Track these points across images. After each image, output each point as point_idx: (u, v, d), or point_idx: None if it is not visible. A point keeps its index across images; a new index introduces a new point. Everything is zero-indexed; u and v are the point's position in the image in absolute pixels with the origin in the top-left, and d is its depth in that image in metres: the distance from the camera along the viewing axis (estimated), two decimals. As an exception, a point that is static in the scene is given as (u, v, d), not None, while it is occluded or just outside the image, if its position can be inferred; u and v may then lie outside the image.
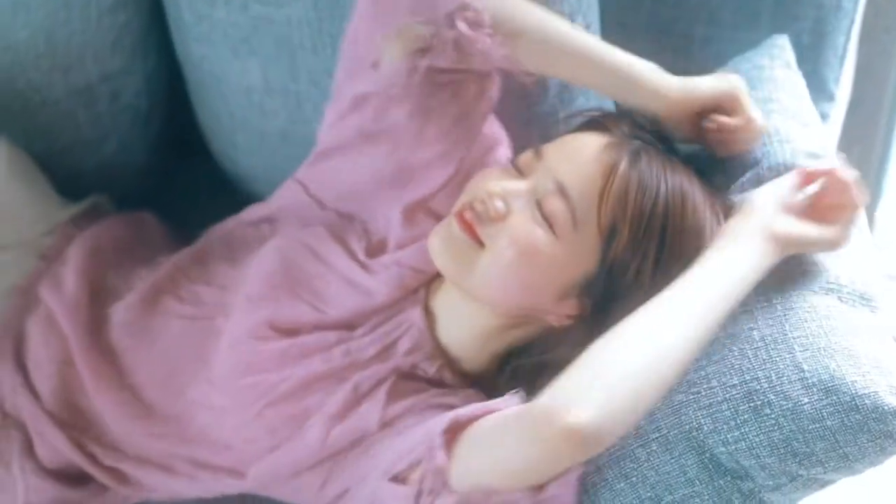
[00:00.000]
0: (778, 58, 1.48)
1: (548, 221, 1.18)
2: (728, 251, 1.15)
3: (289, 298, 1.36)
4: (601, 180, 1.18)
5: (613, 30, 1.64)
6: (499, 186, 1.21)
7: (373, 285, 1.36)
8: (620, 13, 1.66)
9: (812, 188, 1.20)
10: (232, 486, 1.36)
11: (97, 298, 1.47)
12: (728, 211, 1.23)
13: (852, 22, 1.61)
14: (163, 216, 1.68)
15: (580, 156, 1.21)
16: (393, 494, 1.13)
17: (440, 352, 1.32)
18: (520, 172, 1.24)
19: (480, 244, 1.21)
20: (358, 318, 1.35)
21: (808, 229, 1.18)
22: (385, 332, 1.33)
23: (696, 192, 1.20)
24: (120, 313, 1.44)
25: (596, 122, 1.30)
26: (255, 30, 1.52)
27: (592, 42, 1.32)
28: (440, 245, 1.24)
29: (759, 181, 1.31)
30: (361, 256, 1.40)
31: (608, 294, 1.18)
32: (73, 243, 1.53)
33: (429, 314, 1.33)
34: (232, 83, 1.60)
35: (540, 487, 1.06)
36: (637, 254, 1.17)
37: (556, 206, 1.18)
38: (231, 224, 1.55)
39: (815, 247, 1.20)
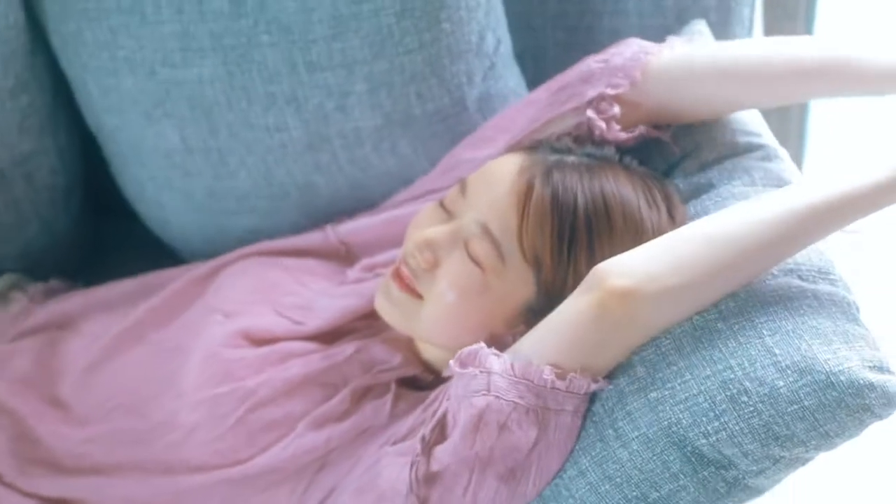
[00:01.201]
0: (698, 43, 1.50)
1: (476, 263, 1.20)
2: (840, 175, 1.13)
3: (264, 311, 1.38)
4: (518, 213, 1.20)
5: (522, 34, 1.66)
6: (424, 237, 1.24)
7: (350, 292, 1.40)
8: (527, 16, 1.68)
9: None
10: None
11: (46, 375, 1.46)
12: (669, 196, 1.26)
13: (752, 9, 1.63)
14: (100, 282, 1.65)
15: (498, 188, 1.23)
16: (396, 451, 1.18)
17: (428, 367, 1.34)
18: (447, 212, 1.26)
19: (419, 297, 1.24)
20: (336, 331, 1.36)
21: None
22: (365, 346, 1.34)
23: (621, 190, 1.22)
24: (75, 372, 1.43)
25: (513, 146, 1.33)
26: (166, 93, 1.50)
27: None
28: (386, 305, 1.28)
29: (701, 165, 1.33)
30: (340, 275, 1.44)
31: (553, 306, 1.18)
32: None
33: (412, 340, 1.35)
34: (150, 148, 1.57)
35: (563, 372, 1.12)
36: (569, 270, 1.20)
37: (481, 248, 1.21)
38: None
39: None
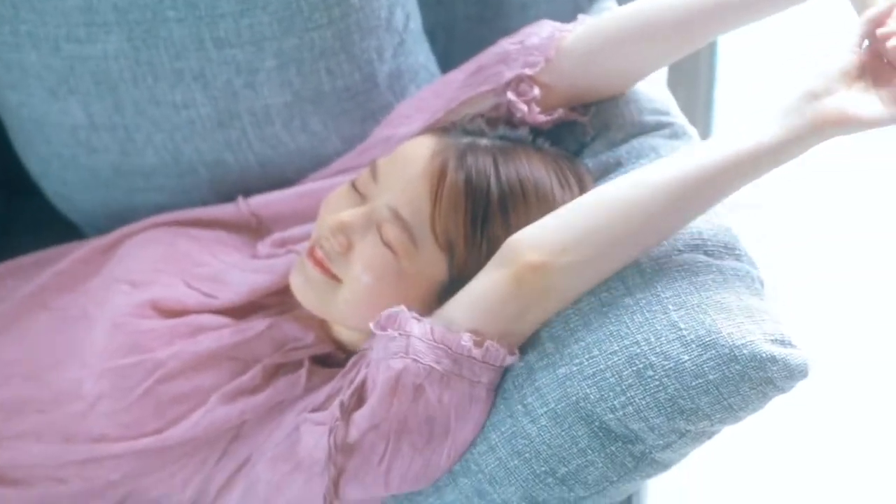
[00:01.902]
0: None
1: (389, 247, 1.20)
2: (729, 133, 1.15)
3: (174, 282, 1.36)
4: (430, 197, 1.20)
5: (432, 8, 1.66)
6: (336, 220, 1.23)
7: (262, 267, 1.39)
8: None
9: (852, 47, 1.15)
10: (93, 480, 1.32)
11: None
12: (581, 176, 1.27)
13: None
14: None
15: (409, 172, 1.22)
16: (314, 419, 1.19)
17: (339, 344, 1.34)
18: (360, 194, 1.26)
19: (337, 280, 1.24)
20: (247, 306, 1.35)
21: (846, 106, 1.11)
22: (277, 323, 1.33)
23: (535, 172, 1.23)
24: None
25: (426, 129, 1.33)
26: (71, 69, 1.47)
27: None
28: (302, 286, 1.27)
29: (609, 144, 1.34)
30: (251, 248, 1.44)
31: (463, 286, 1.19)
32: None
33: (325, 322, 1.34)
34: (54, 125, 1.54)
35: (481, 340, 1.14)
36: (482, 253, 1.20)
37: (392, 233, 1.21)
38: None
39: (861, 126, 1.12)
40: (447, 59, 1.65)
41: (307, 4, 1.41)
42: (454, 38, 1.71)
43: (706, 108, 2.19)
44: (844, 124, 1.11)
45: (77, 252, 1.49)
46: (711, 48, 2.07)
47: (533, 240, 1.13)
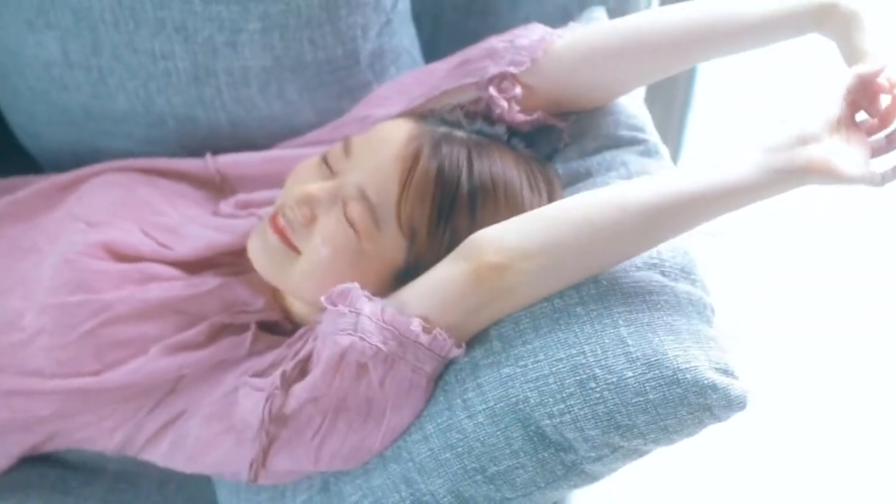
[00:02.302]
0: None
1: (351, 225, 1.20)
2: (710, 163, 1.14)
3: (130, 228, 1.35)
4: (399, 182, 1.20)
5: (425, -1, 1.65)
6: (303, 192, 1.22)
7: (222, 226, 1.38)
8: (427, -23, 1.67)
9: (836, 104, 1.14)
10: (20, 413, 1.31)
11: None
12: (551, 181, 1.27)
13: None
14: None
15: (382, 153, 1.22)
16: (254, 384, 1.19)
17: (287, 313, 1.34)
18: (330, 168, 1.25)
19: (296, 250, 1.23)
20: (201, 261, 1.34)
21: (832, 157, 1.11)
22: (229, 283, 1.32)
23: (507, 172, 1.23)
24: None
25: (405, 113, 1.32)
26: (52, 2, 1.45)
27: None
28: (259, 251, 1.26)
29: (581, 153, 1.35)
30: (213, 205, 1.43)
31: (419, 273, 1.20)
32: None
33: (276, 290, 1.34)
34: (29, 57, 1.52)
35: (430, 327, 1.15)
36: (443, 244, 1.20)
37: (356, 211, 1.20)
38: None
39: (840, 180, 1.12)
40: (431, 47, 1.65)
41: (299, -27, 1.40)
42: (440, 27, 1.71)
43: (679, 127, 2.20)
44: (827, 175, 1.11)
45: (36, 185, 1.48)
46: (691, 69, 2.08)
47: (497, 240, 1.13)
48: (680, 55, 1.33)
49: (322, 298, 1.17)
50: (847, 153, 1.12)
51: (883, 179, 1.13)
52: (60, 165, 1.60)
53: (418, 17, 1.63)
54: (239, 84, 1.49)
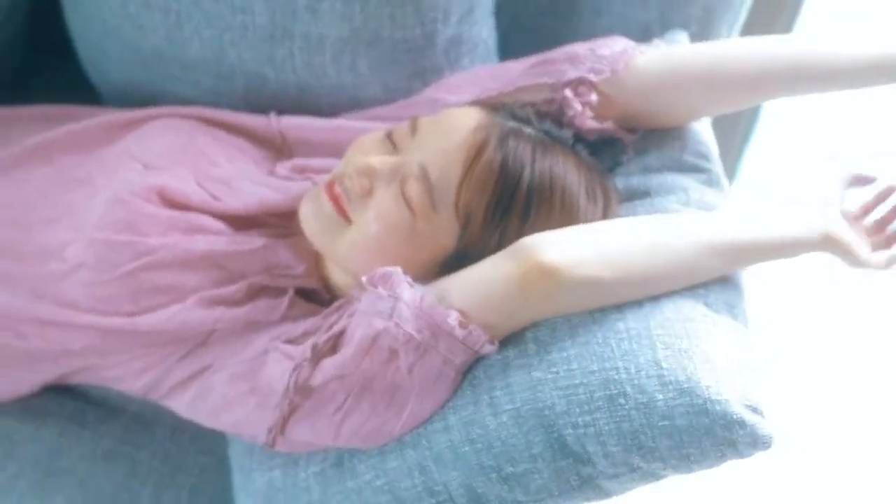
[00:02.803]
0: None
1: (409, 204, 1.19)
2: (770, 215, 1.22)
3: (185, 175, 1.36)
4: (462, 168, 1.19)
5: (510, -13, 1.64)
6: (365, 163, 1.22)
7: (276, 185, 1.38)
8: (517, -28, 1.66)
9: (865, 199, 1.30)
10: (52, 344, 1.33)
11: None
12: (608, 192, 1.27)
13: (737, 17, 1.63)
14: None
15: (449, 138, 1.21)
16: (285, 351, 1.20)
17: (328, 285, 1.34)
18: (394, 145, 1.25)
19: (348, 220, 1.23)
20: (249, 218, 1.34)
21: (853, 239, 1.25)
22: (274, 244, 1.32)
23: (568, 175, 1.22)
24: None
25: (476, 102, 1.32)
26: (141, -62, 1.45)
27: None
28: (310, 214, 1.25)
29: (643, 169, 1.35)
30: (270, 165, 1.44)
31: (466, 264, 1.20)
32: None
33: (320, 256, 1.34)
34: (108, -10, 1.52)
35: (467, 322, 1.15)
36: (493, 236, 1.20)
37: (415, 190, 1.19)
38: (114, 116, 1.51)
39: (852, 261, 1.26)
40: (505, 42, 1.65)
41: (391, -54, 1.39)
42: (518, 24, 1.70)
43: (736, 158, 2.19)
44: (848, 254, 1.25)
45: (99, 117, 1.48)
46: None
47: (553, 243, 1.14)
48: (761, 90, 1.34)
49: (363, 278, 1.17)
50: (865, 240, 1.28)
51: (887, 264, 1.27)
52: (123, 103, 1.60)
53: (498, 11, 1.62)
54: (313, 50, 1.49)
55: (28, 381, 1.40)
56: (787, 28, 1.82)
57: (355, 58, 1.49)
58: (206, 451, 1.48)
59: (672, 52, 1.37)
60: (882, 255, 1.27)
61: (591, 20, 1.54)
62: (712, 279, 1.21)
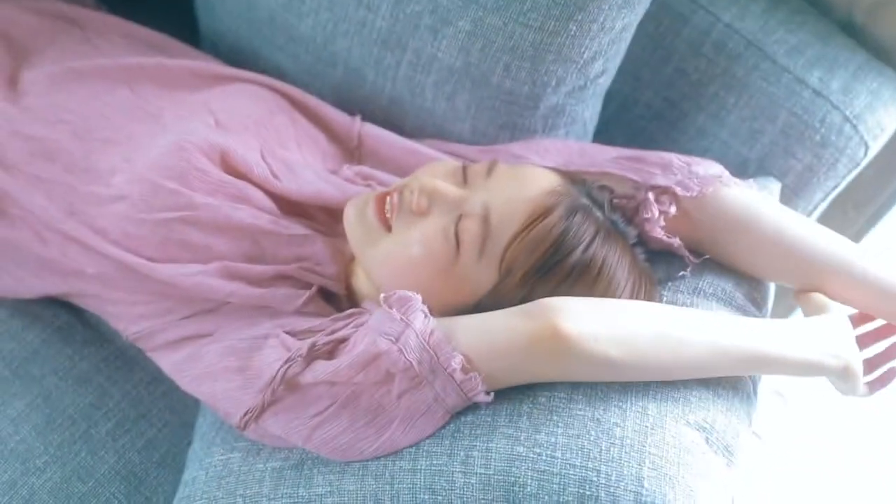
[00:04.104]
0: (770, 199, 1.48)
1: (458, 240, 1.18)
2: (801, 327, 1.22)
3: (253, 145, 1.36)
4: (522, 224, 1.18)
5: (626, 78, 1.64)
6: (432, 184, 1.21)
7: (336, 183, 1.38)
8: (641, 65, 1.66)
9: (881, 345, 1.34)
10: (69, 260, 1.33)
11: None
12: (652, 300, 1.25)
13: (836, 187, 1.61)
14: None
15: (523, 190, 1.20)
16: (284, 341, 1.18)
17: (351, 294, 1.33)
18: (465, 180, 1.24)
19: (388, 227, 1.22)
20: (300, 206, 1.35)
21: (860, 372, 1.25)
22: (314, 238, 1.32)
23: (618, 269, 1.20)
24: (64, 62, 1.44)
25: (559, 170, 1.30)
26: None
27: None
28: (353, 217, 1.25)
29: (693, 291, 1.33)
30: (337, 164, 1.44)
31: (485, 310, 1.18)
32: None
33: (352, 263, 1.34)
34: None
35: (469, 368, 1.13)
36: (521, 293, 1.18)
37: (473, 229, 1.18)
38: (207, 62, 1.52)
39: (847, 391, 1.28)
40: (605, 129, 1.64)
41: (532, 1, 1.39)
42: (623, 114, 1.70)
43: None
44: (854, 386, 1.26)
45: (192, 61, 1.49)
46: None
47: (574, 312, 1.11)
48: (814, 282, 1.34)
49: (381, 296, 1.16)
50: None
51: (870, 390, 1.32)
52: (217, 48, 1.62)
53: (609, 97, 1.62)
54: (420, 68, 1.49)
55: (31, 286, 1.40)
56: (879, 214, 1.80)
57: (457, 90, 1.49)
58: (174, 409, 1.47)
59: (757, 199, 1.35)
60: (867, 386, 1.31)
61: (694, 138, 1.53)
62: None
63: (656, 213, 1.32)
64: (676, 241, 1.34)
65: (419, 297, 1.16)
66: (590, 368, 1.13)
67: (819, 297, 1.31)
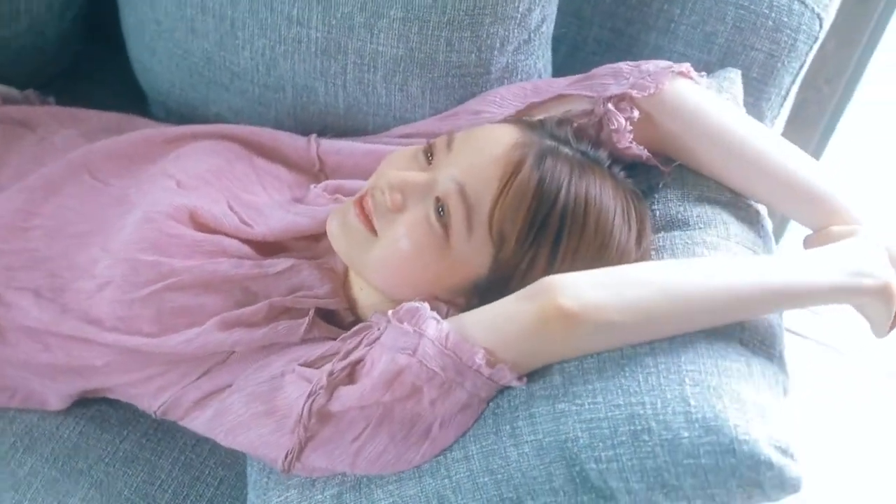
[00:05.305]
0: (727, 91, 1.49)
1: (443, 223, 1.18)
2: (826, 252, 1.18)
3: (218, 198, 1.35)
4: (498, 185, 1.17)
5: (568, 19, 1.64)
6: (399, 178, 1.21)
7: (303, 211, 1.37)
8: (579, 4, 1.66)
9: None
10: (76, 358, 1.32)
11: None
12: (643, 218, 1.25)
13: (802, 66, 1.60)
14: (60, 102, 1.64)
15: (486, 153, 1.20)
16: (302, 373, 1.17)
17: (353, 305, 1.33)
18: (428, 160, 1.23)
19: (374, 233, 1.21)
20: (277, 244, 1.34)
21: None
22: (298, 266, 1.31)
23: (604, 199, 1.20)
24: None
25: (513, 118, 1.30)
26: (203, -58, 1.46)
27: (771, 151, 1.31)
28: (337, 229, 1.25)
29: (682, 197, 1.33)
30: (303, 189, 1.43)
31: (496, 288, 1.18)
32: None
33: (347, 275, 1.33)
34: (166, -10, 1.53)
35: (494, 360, 1.12)
36: (526, 258, 1.17)
37: (452, 207, 1.17)
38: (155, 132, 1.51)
39: (871, 320, 1.21)
40: (557, 74, 1.63)
41: (456, -29, 1.39)
42: (576, 56, 1.69)
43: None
44: (892, 304, 1.17)
45: (139, 133, 1.49)
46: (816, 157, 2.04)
47: (572, 287, 1.11)
48: (776, 199, 1.34)
49: (389, 313, 1.15)
50: None
51: None
52: (166, 105, 1.62)
53: (557, 43, 1.62)
54: (366, 67, 1.49)
55: (56, 391, 1.41)
56: (853, 83, 1.80)
57: (407, 78, 1.49)
58: (225, 464, 1.46)
59: (703, 95, 1.35)
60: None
61: (650, 58, 1.51)
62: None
63: (622, 122, 1.32)
64: (643, 151, 1.34)
65: (427, 306, 1.15)
66: (604, 337, 1.13)
67: (837, 229, 1.27)
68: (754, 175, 1.31)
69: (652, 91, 1.32)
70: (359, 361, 1.16)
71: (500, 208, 1.17)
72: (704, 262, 1.18)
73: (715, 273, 1.13)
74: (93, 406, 1.46)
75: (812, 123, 1.30)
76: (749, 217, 1.34)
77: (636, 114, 1.32)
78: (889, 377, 2.46)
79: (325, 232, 1.28)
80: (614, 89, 1.33)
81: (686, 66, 1.36)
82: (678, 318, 1.12)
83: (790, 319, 1.28)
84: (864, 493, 2.24)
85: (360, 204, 1.23)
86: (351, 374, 1.16)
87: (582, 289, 1.10)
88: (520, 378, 1.14)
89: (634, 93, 1.32)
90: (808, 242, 1.30)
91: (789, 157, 1.31)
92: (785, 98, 1.63)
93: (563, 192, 1.17)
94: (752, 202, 1.36)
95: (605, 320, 1.10)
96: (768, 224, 1.36)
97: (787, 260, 1.16)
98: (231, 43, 1.53)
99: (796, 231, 2.28)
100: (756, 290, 1.13)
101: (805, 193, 1.29)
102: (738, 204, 1.35)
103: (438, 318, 1.14)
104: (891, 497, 2.24)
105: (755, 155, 1.30)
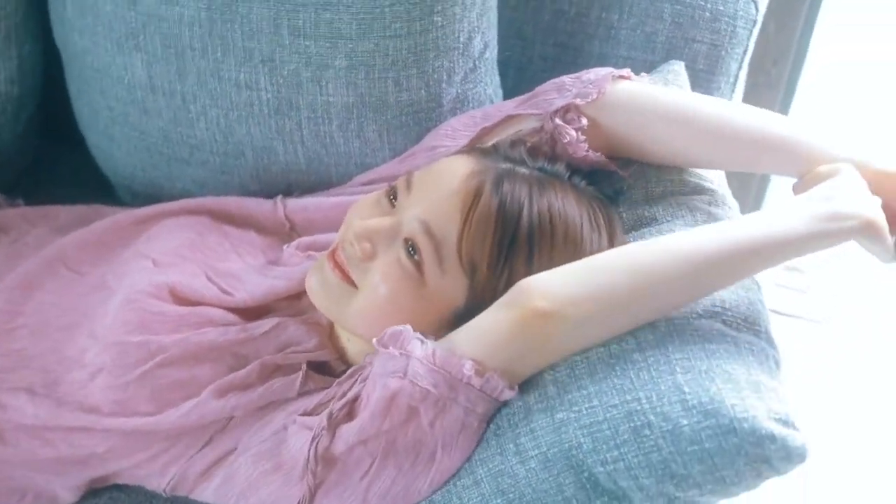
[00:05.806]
0: (673, 83, 1.50)
1: (415, 262, 1.19)
2: (780, 211, 1.16)
3: (196, 272, 1.36)
4: (461, 217, 1.18)
5: (511, 41, 1.66)
6: (363, 227, 1.22)
7: (280, 274, 1.38)
8: (519, 24, 1.68)
9: None
10: (79, 449, 1.32)
11: None
12: (612, 221, 1.26)
13: (746, 51, 1.63)
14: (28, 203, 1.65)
15: (444, 188, 1.21)
16: (303, 423, 1.17)
17: (342, 355, 1.33)
18: (392, 203, 1.25)
19: (353, 285, 1.22)
20: (259, 308, 1.35)
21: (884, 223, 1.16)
22: (284, 323, 1.32)
23: (568, 209, 1.20)
24: None
25: (466, 148, 1.32)
26: (143, 27, 1.48)
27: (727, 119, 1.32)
28: (317, 287, 1.26)
29: (647, 196, 1.34)
30: (277, 250, 1.44)
31: (477, 314, 1.17)
32: None
33: (333, 328, 1.34)
34: (114, 78, 1.55)
35: (483, 370, 1.12)
36: (501, 281, 1.18)
37: (422, 246, 1.19)
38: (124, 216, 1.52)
39: (886, 252, 1.18)
40: (509, 96, 1.65)
41: (390, 12, 1.42)
42: (525, 76, 1.71)
43: (758, 197, 2.17)
44: (878, 237, 1.15)
45: (109, 219, 1.50)
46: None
47: (544, 286, 1.12)
48: (751, 160, 1.34)
49: (374, 341, 1.16)
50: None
51: None
52: (132, 189, 1.63)
53: (504, 65, 1.64)
54: (320, 119, 1.51)
55: (63, 484, 1.39)
56: (799, 60, 1.82)
57: (362, 124, 1.50)
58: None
59: (655, 90, 1.37)
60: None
61: (598, 66, 1.53)
62: (718, 290, 1.18)
63: (573, 133, 1.33)
64: (600, 157, 1.35)
65: (409, 328, 1.16)
66: (586, 329, 1.13)
67: (823, 168, 1.25)
68: (722, 142, 1.32)
69: (595, 96, 1.34)
70: (356, 398, 1.16)
71: (467, 239, 1.18)
72: (673, 236, 1.18)
73: (682, 242, 1.14)
74: (104, 494, 1.44)
75: (766, 106, 1.31)
76: (714, 200, 1.35)
77: (584, 122, 1.33)
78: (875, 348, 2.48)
79: (305, 290, 1.28)
80: (559, 102, 1.35)
81: (626, 71, 1.38)
82: (653, 292, 1.13)
83: (774, 300, 1.28)
84: (863, 463, 2.25)
85: (333, 258, 1.24)
86: (350, 412, 1.16)
87: (554, 286, 1.11)
88: (511, 387, 1.14)
89: (578, 101, 1.34)
90: (797, 189, 1.29)
91: (752, 115, 1.32)
92: (734, 85, 1.65)
93: (526, 210, 1.18)
94: (717, 187, 1.37)
95: (581, 311, 1.11)
96: (734, 204, 1.37)
97: (757, 216, 1.16)
98: (185, 117, 1.54)
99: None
100: (725, 250, 1.12)
101: (779, 144, 1.29)
102: (702, 189, 1.36)
103: (422, 338, 1.15)
104: (888, 468, 2.24)
105: (717, 122, 1.31)
